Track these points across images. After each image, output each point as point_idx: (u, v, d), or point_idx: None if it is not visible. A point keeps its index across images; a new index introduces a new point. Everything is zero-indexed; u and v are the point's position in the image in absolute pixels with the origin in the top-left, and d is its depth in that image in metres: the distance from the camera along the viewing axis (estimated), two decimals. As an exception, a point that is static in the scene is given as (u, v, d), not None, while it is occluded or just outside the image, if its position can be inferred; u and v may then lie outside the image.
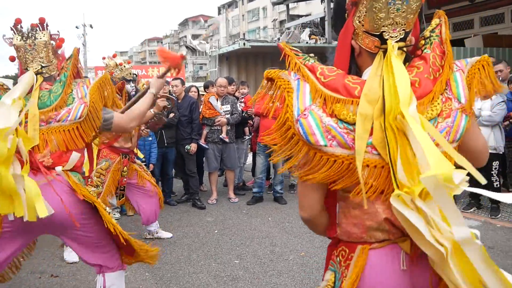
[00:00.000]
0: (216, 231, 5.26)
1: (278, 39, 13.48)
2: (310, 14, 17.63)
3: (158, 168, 6.43)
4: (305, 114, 1.37)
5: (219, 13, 56.92)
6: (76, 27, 42.51)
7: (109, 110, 2.64)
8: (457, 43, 10.44)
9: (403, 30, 1.40)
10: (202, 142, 6.52)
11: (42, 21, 2.60)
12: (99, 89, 2.57)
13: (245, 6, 52.46)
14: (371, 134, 1.34)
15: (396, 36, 1.40)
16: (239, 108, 6.73)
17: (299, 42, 12.08)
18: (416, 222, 1.24)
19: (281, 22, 35.15)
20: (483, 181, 1.27)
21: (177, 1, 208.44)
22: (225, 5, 50.01)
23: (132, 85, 4.56)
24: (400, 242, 1.39)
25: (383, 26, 1.39)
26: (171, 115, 6.27)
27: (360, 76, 1.45)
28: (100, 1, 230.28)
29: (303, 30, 12.89)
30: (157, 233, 5.01)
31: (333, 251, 1.56)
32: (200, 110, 6.63)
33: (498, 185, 5.52)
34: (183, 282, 3.90)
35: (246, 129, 7.26)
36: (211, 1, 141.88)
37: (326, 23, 12.18)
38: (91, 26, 43.50)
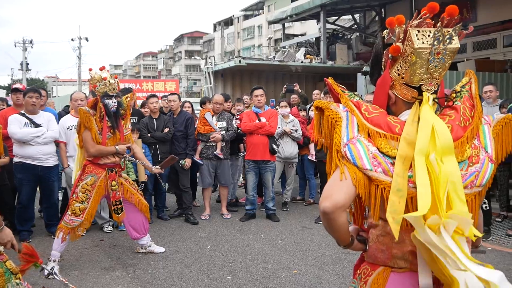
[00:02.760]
0: (208, 247, 5.25)
1: (274, 57, 13.61)
2: (305, 34, 17.86)
3: (151, 182, 6.43)
4: (353, 141, 1.54)
5: (214, 30, 57.35)
6: (72, 39, 42.71)
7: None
8: (450, 67, 10.61)
9: (436, 83, 1.61)
10: (196, 157, 6.54)
11: None
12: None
13: (241, 24, 52.91)
14: (410, 167, 1.50)
15: (431, 89, 1.60)
16: (235, 125, 6.78)
17: (294, 61, 12.21)
18: (439, 252, 1.39)
19: (276, 41, 35.50)
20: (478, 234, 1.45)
21: (173, 17, 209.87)
22: (221, 22, 50.38)
23: (115, 100, 4.48)
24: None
25: (422, 80, 1.59)
26: (166, 130, 6.29)
27: None
28: (96, 14, 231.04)
29: (298, 50, 13.03)
30: (149, 247, 4.99)
31: (357, 270, 1.73)
32: (195, 126, 6.67)
33: (487, 207, 5.57)
34: (176, 298, 3.88)
35: (241, 145, 7.30)
36: (207, 17, 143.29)
37: (321, 43, 12.34)
38: (86, 39, 43.64)
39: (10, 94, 7.15)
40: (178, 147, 6.43)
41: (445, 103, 1.67)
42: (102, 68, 4.57)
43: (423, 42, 1.53)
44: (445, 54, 1.56)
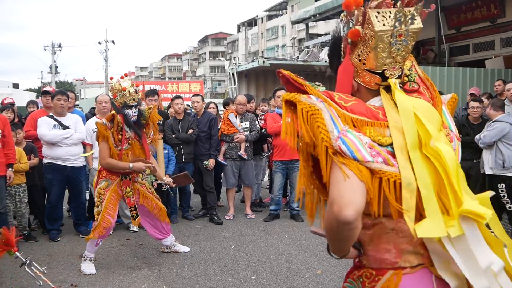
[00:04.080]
0: (232, 247, 5.28)
1: (297, 57, 13.59)
2: (329, 33, 17.74)
3: (177, 182, 6.50)
4: (344, 133, 1.38)
5: (238, 31, 57.55)
6: (99, 42, 43.60)
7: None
8: (477, 64, 10.40)
9: (400, 68, 1.51)
10: (220, 158, 6.60)
11: None
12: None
13: (264, 24, 52.94)
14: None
15: (395, 74, 1.50)
16: (258, 126, 6.79)
17: (318, 61, 12.17)
18: (452, 251, 1.35)
19: (300, 40, 35.40)
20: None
21: (198, 18, 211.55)
22: (245, 23, 50.54)
23: (135, 110, 4.42)
24: (431, 266, 1.42)
25: (385, 65, 1.48)
26: (190, 131, 6.35)
27: None
28: (122, 17, 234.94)
29: (322, 49, 13.00)
30: (174, 247, 5.05)
31: (354, 271, 1.58)
32: (219, 127, 6.71)
33: (511, 207, 5.42)
34: (200, 297, 3.92)
35: (265, 146, 7.31)
36: (230, 18, 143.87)
37: (345, 42, 12.24)
38: (113, 42, 44.50)
39: (40, 97, 7.36)
40: (202, 147, 6.49)
41: (410, 87, 1.55)
42: (123, 77, 4.52)
43: (383, 24, 1.44)
44: (408, 35, 1.46)
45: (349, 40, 1.55)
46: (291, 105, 1.46)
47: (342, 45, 1.61)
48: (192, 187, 6.93)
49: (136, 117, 4.45)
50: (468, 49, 11.85)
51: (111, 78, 4.60)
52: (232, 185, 6.73)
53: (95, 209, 4.45)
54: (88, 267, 4.45)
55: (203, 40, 73.06)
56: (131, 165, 4.40)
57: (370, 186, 1.35)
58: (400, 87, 1.51)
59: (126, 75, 4.59)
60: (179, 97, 6.78)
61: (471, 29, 11.35)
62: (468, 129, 6.04)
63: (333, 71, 1.64)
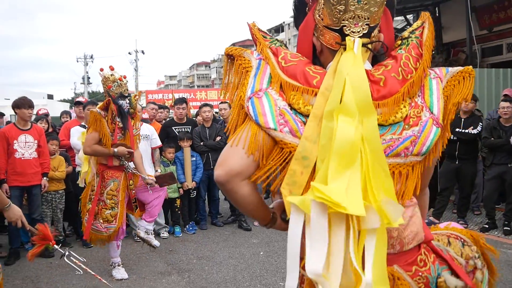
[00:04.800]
0: (261, 253, 5.28)
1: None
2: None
3: (205, 189, 6.56)
4: (259, 94, 1.26)
5: (265, 38, 57.74)
6: (129, 53, 44.49)
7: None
8: (510, 64, 10.12)
9: (366, 24, 1.26)
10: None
11: None
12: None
13: (291, 30, 53.02)
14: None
15: (358, 31, 1.26)
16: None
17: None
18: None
19: (328, 46, 35.22)
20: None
21: (225, 26, 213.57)
22: (272, 29, 50.70)
23: (128, 101, 4.47)
24: None
25: (343, 20, 1.26)
26: (218, 138, 6.39)
27: None
28: (151, 27, 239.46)
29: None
30: (148, 235, 4.75)
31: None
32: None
33: None
34: (229, 302, 3.93)
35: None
36: (258, 25, 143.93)
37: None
38: (142, 52, 45.40)
39: (73, 107, 7.57)
40: (230, 154, 6.51)
41: (398, 52, 1.32)
42: (113, 68, 4.54)
43: None
44: None
45: None
46: (232, 59, 1.37)
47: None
48: (221, 194, 6.97)
49: (128, 108, 4.48)
50: (502, 49, 11.54)
51: (101, 70, 4.54)
52: (260, 191, 6.71)
53: (108, 212, 4.35)
54: (118, 272, 4.54)
55: (231, 48, 73.57)
56: (115, 149, 4.36)
57: (264, 154, 1.24)
58: (369, 47, 1.29)
59: (112, 68, 4.55)
60: (206, 104, 6.85)
61: (504, 28, 11.05)
62: (499, 131, 5.87)
63: (296, 28, 1.46)
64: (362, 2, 1.23)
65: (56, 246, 2.51)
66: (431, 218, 6.43)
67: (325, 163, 1.16)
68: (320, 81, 1.24)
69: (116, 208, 4.40)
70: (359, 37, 1.26)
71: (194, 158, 6.27)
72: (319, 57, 1.36)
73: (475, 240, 1.54)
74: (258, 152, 1.24)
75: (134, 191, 4.59)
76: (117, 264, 4.61)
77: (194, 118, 7.40)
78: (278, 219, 1.44)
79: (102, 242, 4.42)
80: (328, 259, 1.13)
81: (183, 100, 6.75)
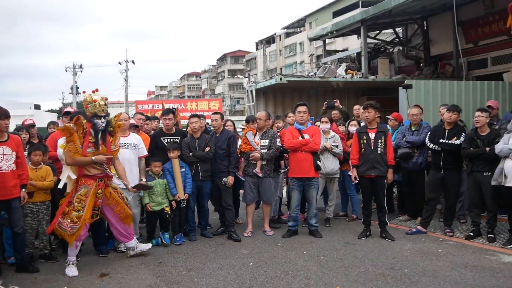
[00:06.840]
0: (251, 264, 5.28)
1: (315, 73, 13.62)
2: (347, 49, 17.77)
3: (194, 200, 6.55)
4: None
5: (256, 48, 58.03)
6: (119, 63, 44.53)
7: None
8: (496, 77, 10.30)
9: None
10: (240, 174, 6.64)
11: None
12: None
13: (283, 42, 53.34)
14: None
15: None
16: (278, 143, 6.76)
17: (335, 77, 12.19)
18: None
19: (318, 57, 35.47)
20: None
21: (216, 37, 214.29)
22: (263, 40, 50.93)
23: (103, 120, 5.08)
24: None
25: None
26: (207, 149, 6.39)
27: None
28: (141, 37, 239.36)
29: (340, 65, 12.99)
30: (137, 248, 5.59)
31: None
32: (237, 144, 6.75)
33: None
34: (218, 314, 3.91)
35: (282, 162, 7.31)
36: (249, 36, 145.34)
37: (362, 58, 12.27)
38: (133, 62, 45.48)
39: (61, 117, 7.53)
40: (221, 165, 6.52)
41: None
42: (94, 91, 5.16)
43: None
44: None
45: None
46: None
47: None
48: (210, 205, 6.97)
49: (104, 126, 5.09)
50: (486, 62, 11.76)
51: (84, 92, 5.30)
52: (250, 201, 6.73)
53: (75, 213, 4.92)
54: (70, 270, 4.93)
55: (222, 58, 73.86)
56: (93, 158, 5.02)
57: None
58: None
59: (96, 90, 5.19)
60: (195, 115, 6.80)
61: (489, 43, 11.27)
62: (477, 141, 5.98)
63: None
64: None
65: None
66: (419, 227, 6.49)
67: None
68: None
69: (81, 211, 4.96)
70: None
71: (183, 169, 6.26)
72: None
73: None
74: None
75: (100, 201, 5.15)
76: (71, 262, 5.00)
77: (184, 129, 7.39)
78: None
79: (69, 239, 4.95)
80: None
81: (170, 111, 6.72)
